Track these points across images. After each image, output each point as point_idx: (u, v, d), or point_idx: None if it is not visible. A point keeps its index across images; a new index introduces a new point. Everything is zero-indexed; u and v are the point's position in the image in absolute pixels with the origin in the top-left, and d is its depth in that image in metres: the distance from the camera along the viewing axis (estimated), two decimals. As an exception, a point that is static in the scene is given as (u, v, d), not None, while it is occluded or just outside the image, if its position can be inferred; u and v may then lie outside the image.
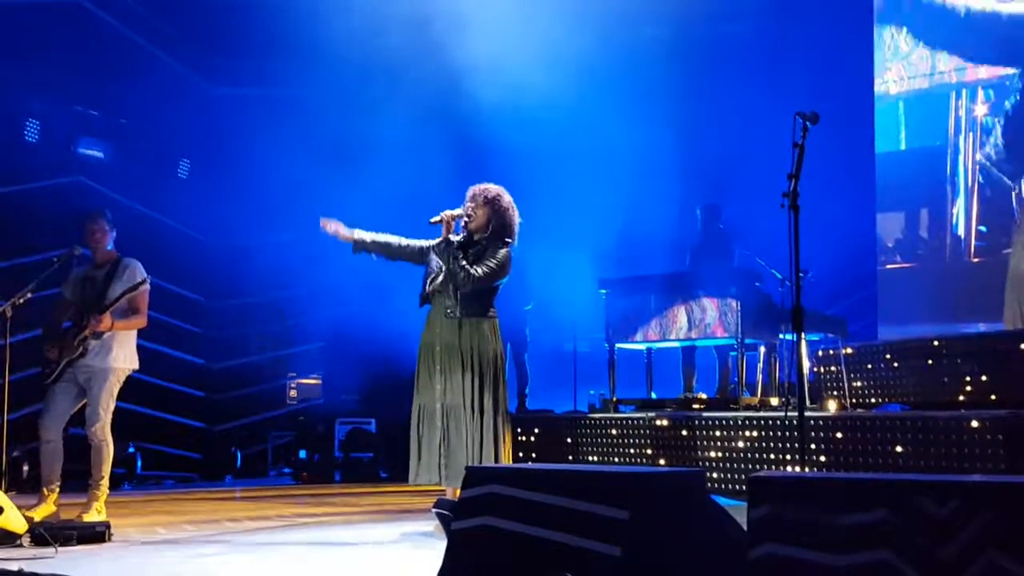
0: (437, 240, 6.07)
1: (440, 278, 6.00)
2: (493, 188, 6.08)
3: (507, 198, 6.09)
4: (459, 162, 9.73)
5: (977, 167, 10.47)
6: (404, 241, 6.23)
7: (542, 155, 10.80)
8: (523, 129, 10.14)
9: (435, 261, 6.08)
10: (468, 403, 5.86)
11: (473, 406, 5.87)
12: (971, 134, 10.54)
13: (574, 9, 10.65)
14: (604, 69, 11.04)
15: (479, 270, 5.89)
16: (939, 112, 10.82)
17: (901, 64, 11.18)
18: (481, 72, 10.25)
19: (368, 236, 6.22)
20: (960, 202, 10.58)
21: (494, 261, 5.94)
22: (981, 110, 10.42)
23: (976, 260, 10.40)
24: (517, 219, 6.13)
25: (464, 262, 5.89)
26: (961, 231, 10.53)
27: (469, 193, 6.11)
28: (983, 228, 10.39)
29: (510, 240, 6.07)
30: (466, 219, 6.01)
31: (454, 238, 6.02)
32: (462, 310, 5.92)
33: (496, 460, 5.90)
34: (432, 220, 6.02)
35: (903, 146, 11.19)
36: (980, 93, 10.48)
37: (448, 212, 6.00)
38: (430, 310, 6.07)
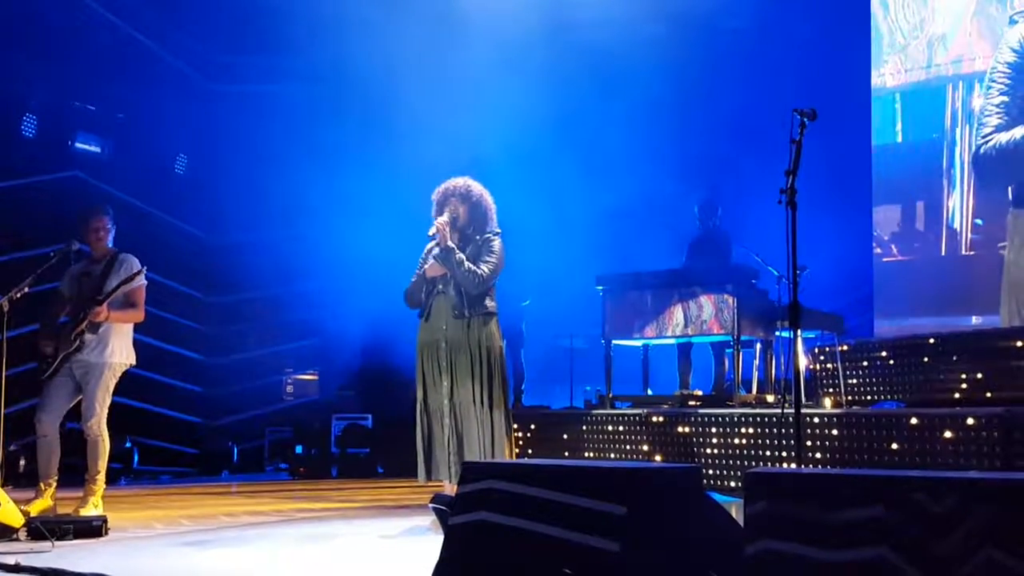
0: (434, 249, 6.08)
1: (440, 285, 6.02)
2: (459, 182, 6.13)
3: (476, 186, 6.14)
4: (459, 158, 9.74)
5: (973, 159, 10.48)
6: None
7: (540, 151, 10.80)
8: (522, 126, 10.13)
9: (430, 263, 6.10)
10: (478, 400, 5.87)
11: (483, 403, 5.89)
12: (968, 127, 10.54)
13: (574, 7, 10.65)
14: (601, 65, 11.04)
15: (484, 268, 5.94)
16: (936, 105, 10.82)
17: (898, 56, 11.18)
18: (481, 69, 10.25)
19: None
20: (956, 195, 10.59)
21: (494, 256, 6.01)
22: (978, 103, 10.42)
23: (971, 253, 10.41)
24: (493, 203, 6.17)
25: (469, 264, 5.92)
26: (957, 224, 10.53)
27: (438, 196, 6.14)
28: (979, 221, 10.40)
29: (498, 230, 6.12)
30: (453, 220, 6.06)
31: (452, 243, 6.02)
32: (469, 309, 5.94)
33: (506, 456, 5.93)
34: (431, 233, 6.06)
35: (899, 139, 11.19)
36: (977, 86, 10.48)
37: (441, 220, 6.02)
38: (431, 308, 6.06)
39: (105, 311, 6.22)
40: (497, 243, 6.06)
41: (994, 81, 10.15)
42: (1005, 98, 10.04)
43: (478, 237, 6.08)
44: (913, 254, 10.90)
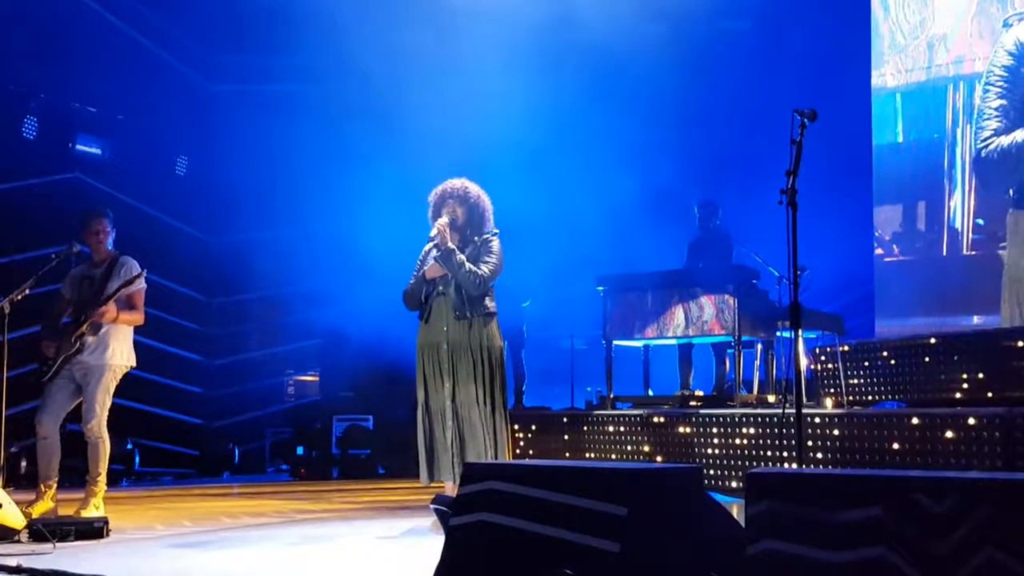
0: (434, 250, 6.08)
1: (440, 287, 6.01)
2: (457, 183, 6.13)
3: (474, 187, 6.14)
4: (458, 159, 9.74)
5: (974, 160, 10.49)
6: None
7: (541, 152, 10.80)
8: (521, 126, 10.13)
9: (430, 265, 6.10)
10: (480, 401, 5.88)
11: (485, 403, 5.89)
12: (969, 127, 10.55)
13: (573, 6, 10.65)
14: (603, 66, 11.04)
15: (485, 269, 5.95)
16: (937, 105, 10.84)
17: (899, 57, 11.19)
18: (480, 68, 10.25)
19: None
20: (957, 195, 10.60)
21: (494, 256, 6.01)
22: (979, 103, 10.42)
23: (973, 253, 10.42)
24: (490, 203, 6.17)
25: (470, 265, 5.92)
26: (958, 224, 10.55)
27: (435, 198, 6.13)
28: (980, 221, 10.42)
29: (496, 231, 6.13)
30: (452, 222, 6.06)
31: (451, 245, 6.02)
32: (471, 310, 5.95)
33: (505, 457, 5.94)
34: (432, 235, 6.06)
35: (900, 139, 11.20)
36: (977, 86, 10.49)
37: (442, 222, 6.02)
38: (431, 310, 6.06)
39: (113, 311, 6.23)
40: (496, 244, 6.07)
41: (991, 84, 10.16)
42: (1003, 101, 10.05)
43: (476, 238, 6.08)
44: (914, 254, 10.91)
